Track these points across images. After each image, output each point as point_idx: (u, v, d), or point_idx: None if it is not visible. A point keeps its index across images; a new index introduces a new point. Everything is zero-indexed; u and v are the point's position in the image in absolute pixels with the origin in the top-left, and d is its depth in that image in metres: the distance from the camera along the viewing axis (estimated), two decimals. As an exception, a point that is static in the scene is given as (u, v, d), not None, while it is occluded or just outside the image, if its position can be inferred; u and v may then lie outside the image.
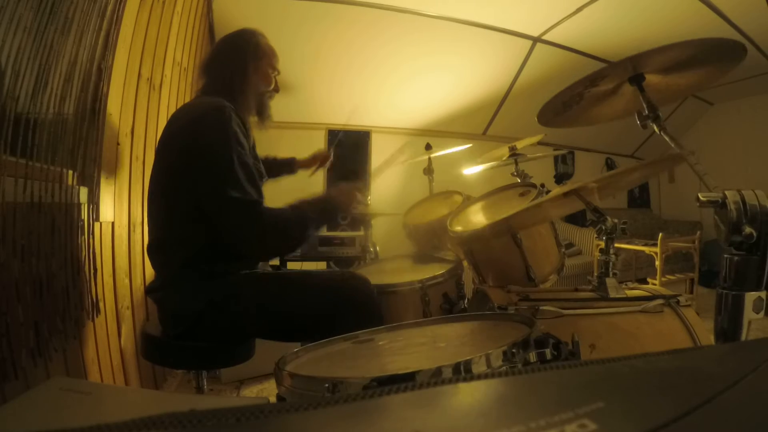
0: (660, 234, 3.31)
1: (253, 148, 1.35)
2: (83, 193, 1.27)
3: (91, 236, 1.31)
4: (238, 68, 1.28)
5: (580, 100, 1.10)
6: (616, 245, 1.16)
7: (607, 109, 1.18)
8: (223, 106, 1.18)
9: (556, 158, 5.04)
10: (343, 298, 1.17)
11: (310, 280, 1.24)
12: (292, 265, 2.68)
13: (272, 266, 1.38)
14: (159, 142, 1.26)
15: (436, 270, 1.51)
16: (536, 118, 1.17)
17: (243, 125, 1.24)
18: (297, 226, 1.18)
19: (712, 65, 1.01)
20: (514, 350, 0.62)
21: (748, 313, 0.65)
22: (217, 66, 1.31)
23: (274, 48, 1.37)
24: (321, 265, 2.90)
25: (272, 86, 1.36)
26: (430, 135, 3.82)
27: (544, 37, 3.47)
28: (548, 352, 0.63)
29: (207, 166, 1.13)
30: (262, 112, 1.35)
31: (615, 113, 1.19)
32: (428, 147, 2.37)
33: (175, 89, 2.15)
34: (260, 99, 1.33)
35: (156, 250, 1.24)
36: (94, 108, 1.33)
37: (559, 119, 1.17)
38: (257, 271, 1.28)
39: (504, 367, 0.60)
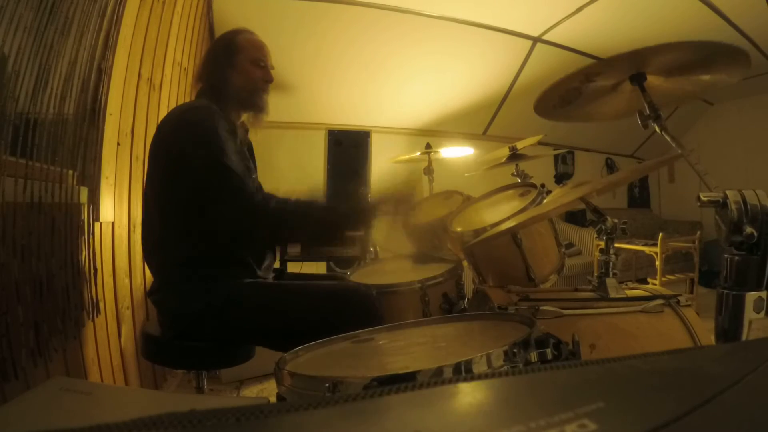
0: (660, 234, 3.31)
1: (243, 145, 1.32)
2: (83, 193, 1.27)
3: (91, 236, 1.31)
4: (215, 70, 1.28)
5: (578, 95, 1.10)
6: (616, 245, 1.16)
7: (606, 107, 1.17)
8: (197, 108, 1.21)
9: (556, 158, 5.04)
10: (343, 310, 1.15)
11: (309, 290, 1.23)
12: (292, 266, 2.68)
13: (274, 270, 1.36)
14: (150, 147, 1.27)
15: (435, 270, 1.51)
16: (533, 108, 1.15)
17: (228, 125, 1.23)
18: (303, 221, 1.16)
19: (715, 71, 1.00)
20: (515, 350, 0.61)
21: (749, 313, 0.65)
22: (201, 73, 1.32)
23: (255, 40, 1.32)
24: (321, 265, 2.90)
25: (256, 80, 1.30)
26: (430, 135, 3.82)
27: (544, 37, 3.47)
28: (549, 351, 0.63)
29: (191, 164, 1.14)
30: (253, 106, 1.31)
31: (614, 112, 1.19)
32: (428, 147, 2.37)
33: (175, 89, 2.15)
34: (247, 95, 1.29)
35: (152, 253, 1.24)
36: (94, 108, 1.33)
37: (558, 113, 1.17)
38: (256, 280, 1.26)
39: (505, 367, 0.60)
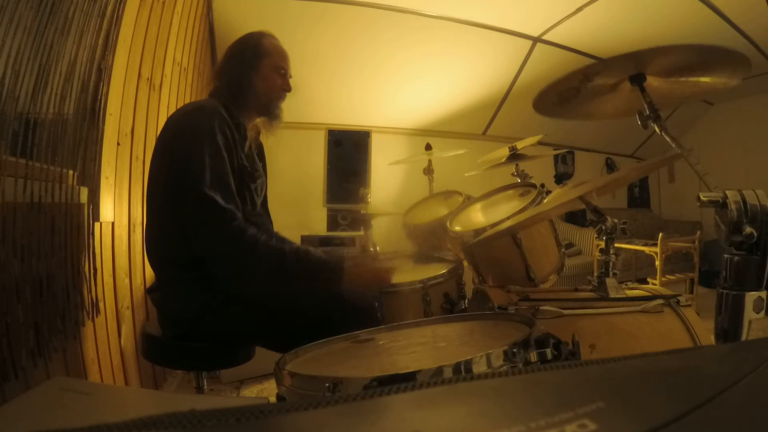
0: (660, 234, 3.31)
1: (253, 149, 1.32)
2: (83, 193, 1.27)
3: (91, 236, 1.31)
4: (237, 71, 1.27)
5: (576, 94, 1.10)
6: (616, 245, 1.16)
7: (605, 106, 1.18)
8: (200, 108, 1.20)
9: (556, 158, 5.04)
10: (343, 304, 1.15)
11: (309, 289, 1.23)
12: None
13: None
14: (155, 144, 1.27)
15: (437, 270, 1.51)
16: (532, 105, 1.15)
17: (238, 128, 1.23)
18: (269, 257, 1.11)
19: (714, 74, 1.00)
20: (514, 350, 0.62)
21: (749, 313, 0.65)
22: (221, 70, 1.31)
23: (280, 48, 1.33)
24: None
25: (276, 88, 1.32)
26: (430, 135, 3.82)
27: (544, 37, 3.47)
28: (549, 351, 0.63)
29: (180, 169, 1.13)
30: (269, 113, 1.32)
31: (613, 111, 1.19)
32: (428, 147, 2.37)
33: (175, 89, 2.15)
34: (266, 101, 1.30)
35: (153, 251, 1.24)
36: (94, 108, 1.33)
37: (557, 110, 1.17)
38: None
39: (504, 367, 0.60)
